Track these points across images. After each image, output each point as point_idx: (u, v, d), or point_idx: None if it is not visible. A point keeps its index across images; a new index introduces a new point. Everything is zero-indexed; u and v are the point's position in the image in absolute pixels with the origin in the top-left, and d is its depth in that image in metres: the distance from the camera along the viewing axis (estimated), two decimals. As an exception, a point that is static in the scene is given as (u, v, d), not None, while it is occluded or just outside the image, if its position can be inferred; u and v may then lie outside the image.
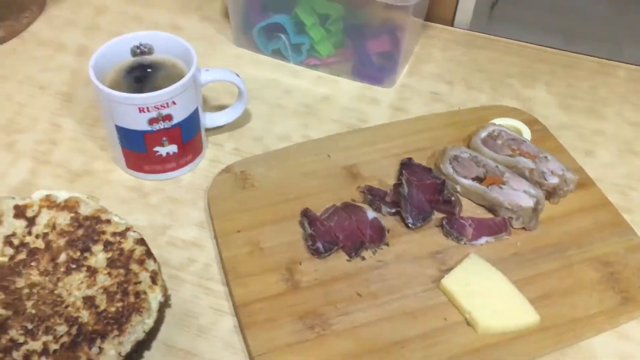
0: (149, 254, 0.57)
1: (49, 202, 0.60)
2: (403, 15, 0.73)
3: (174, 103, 0.60)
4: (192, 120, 0.64)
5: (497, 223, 0.62)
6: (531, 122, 0.72)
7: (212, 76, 0.65)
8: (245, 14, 0.80)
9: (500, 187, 0.63)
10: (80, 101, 0.74)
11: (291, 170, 0.67)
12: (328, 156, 0.68)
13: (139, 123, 0.61)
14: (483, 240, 0.61)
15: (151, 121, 0.61)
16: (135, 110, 0.59)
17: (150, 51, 0.66)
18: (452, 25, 0.87)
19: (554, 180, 0.64)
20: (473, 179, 0.65)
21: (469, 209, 0.64)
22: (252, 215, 0.62)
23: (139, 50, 0.65)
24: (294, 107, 0.75)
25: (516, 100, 0.77)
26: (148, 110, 0.60)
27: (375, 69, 0.78)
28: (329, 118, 0.74)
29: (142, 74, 0.64)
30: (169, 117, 0.61)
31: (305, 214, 0.62)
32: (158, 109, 0.60)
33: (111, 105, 0.60)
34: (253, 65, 0.80)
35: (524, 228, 0.62)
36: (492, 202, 0.63)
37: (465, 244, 0.61)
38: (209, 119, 0.69)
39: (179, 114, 0.62)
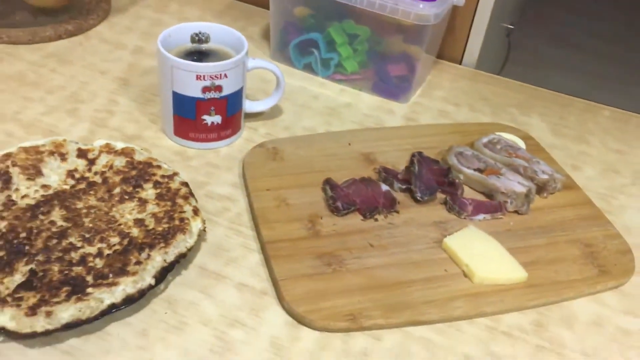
0: (191, 193, 0.66)
1: (108, 148, 0.70)
2: (418, 50, 0.85)
3: (225, 76, 0.71)
4: (237, 97, 0.75)
5: (493, 204, 0.71)
6: (526, 138, 0.83)
7: (257, 63, 0.76)
8: (283, 32, 0.92)
9: (498, 177, 0.73)
10: (135, 85, 0.85)
11: (316, 151, 0.76)
12: (349, 144, 0.78)
13: (195, 90, 0.71)
14: (481, 216, 0.70)
15: (204, 89, 0.71)
16: (193, 77, 0.70)
17: (207, 40, 0.77)
18: (460, 64, 1.00)
19: (544, 177, 0.74)
20: (474, 170, 0.74)
21: (469, 195, 0.73)
22: (280, 180, 0.72)
23: (198, 38, 0.77)
24: (320, 109, 0.86)
25: (514, 124, 0.88)
26: (204, 79, 0.70)
27: (392, 86, 0.90)
28: (350, 120, 0.85)
29: (198, 59, 0.76)
30: (219, 88, 0.72)
31: (328, 181, 0.71)
32: (212, 78, 0.71)
33: (173, 71, 0.71)
34: (287, 76, 0.90)
35: (516, 212, 0.71)
36: (490, 188, 0.72)
37: (465, 218, 0.70)
38: (248, 106, 0.79)
39: (228, 87, 0.72)
